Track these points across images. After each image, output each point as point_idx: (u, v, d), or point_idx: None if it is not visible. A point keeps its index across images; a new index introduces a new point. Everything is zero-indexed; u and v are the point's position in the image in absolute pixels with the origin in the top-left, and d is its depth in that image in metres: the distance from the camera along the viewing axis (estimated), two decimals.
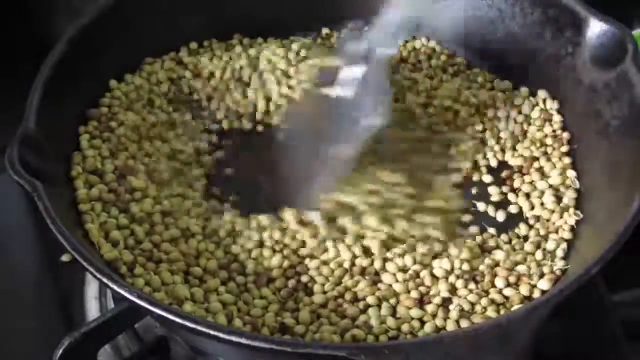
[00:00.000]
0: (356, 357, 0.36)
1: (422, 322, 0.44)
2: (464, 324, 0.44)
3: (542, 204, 0.51)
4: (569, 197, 0.51)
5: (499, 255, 0.48)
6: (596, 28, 0.52)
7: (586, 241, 0.48)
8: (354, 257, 0.47)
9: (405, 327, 0.44)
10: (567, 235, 0.49)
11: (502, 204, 0.52)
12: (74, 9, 0.59)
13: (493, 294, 0.45)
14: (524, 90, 0.58)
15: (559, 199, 0.51)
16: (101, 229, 0.47)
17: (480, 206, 0.52)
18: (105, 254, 0.45)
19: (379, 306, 0.45)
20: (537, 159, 0.54)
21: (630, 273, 0.53)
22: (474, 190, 0.53)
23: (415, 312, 0.45)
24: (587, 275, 0.41)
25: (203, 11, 0.61)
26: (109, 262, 0.45)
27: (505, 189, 0.53)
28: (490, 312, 0.45)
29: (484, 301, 0.45)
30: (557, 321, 0.48)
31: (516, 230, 0.50)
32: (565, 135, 0.54)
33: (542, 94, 0.57)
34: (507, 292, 0.45)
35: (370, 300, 0.45)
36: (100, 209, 0.48)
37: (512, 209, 0.52)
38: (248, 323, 0.43)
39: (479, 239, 0.49)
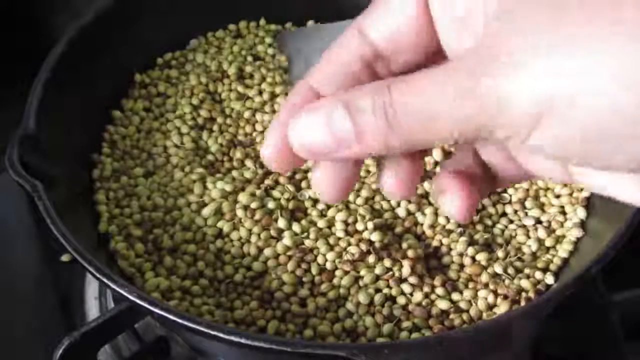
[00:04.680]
0: (356, 357, 0.36)
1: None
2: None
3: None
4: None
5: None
6: None
7: (586, 241, 0.48)
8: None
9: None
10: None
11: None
12: (74, 9, 0.59)
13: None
14: None
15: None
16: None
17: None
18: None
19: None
20: None
21: (630, 273, 0.53)
22: None
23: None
24: (587, 274, 0.41)
25: (202, 11, 0.61)
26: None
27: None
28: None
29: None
30: (557, 321, 0.48)
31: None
32: None
33: None
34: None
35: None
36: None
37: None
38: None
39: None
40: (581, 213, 0.50)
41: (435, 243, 0.49)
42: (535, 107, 0.20)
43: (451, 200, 0.26)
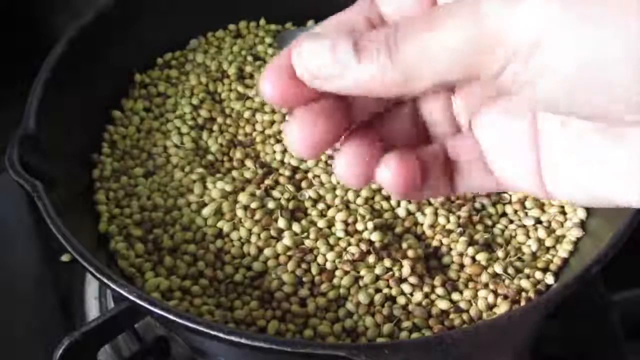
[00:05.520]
0: (356, 357, 0.36)
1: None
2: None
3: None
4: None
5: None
6: None
7: (586, 241, 0.48)
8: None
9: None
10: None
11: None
12: (74, 9, 0.59)
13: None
14: None
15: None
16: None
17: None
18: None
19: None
20: None
21: (630, 273, 0.53)
22: None
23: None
24: (587, 274, 0.41)
25: (202, 11, 0.61)
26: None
27: None
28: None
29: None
30: (557, 321, 0.48)
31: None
32: None
33: None
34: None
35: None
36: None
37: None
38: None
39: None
40: (581, 213, 0.50)
41: (435, 243, 0.49)
42: (531, 33, 0.21)
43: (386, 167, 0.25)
